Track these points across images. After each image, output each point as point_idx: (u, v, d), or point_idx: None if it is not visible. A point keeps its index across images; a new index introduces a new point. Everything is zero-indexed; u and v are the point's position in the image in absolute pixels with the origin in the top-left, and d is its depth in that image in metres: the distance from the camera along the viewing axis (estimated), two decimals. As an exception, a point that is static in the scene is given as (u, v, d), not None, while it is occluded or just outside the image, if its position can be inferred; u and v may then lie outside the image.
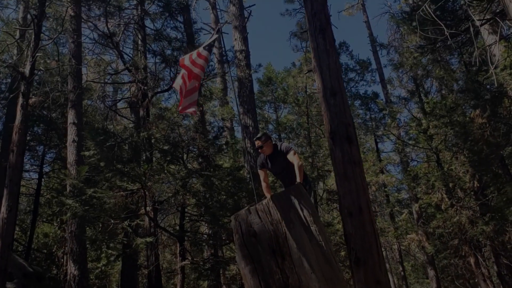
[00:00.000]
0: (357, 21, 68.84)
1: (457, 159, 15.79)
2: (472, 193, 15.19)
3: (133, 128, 11.51)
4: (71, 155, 10.73)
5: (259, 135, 6.25)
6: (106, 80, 13.51)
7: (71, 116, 11.25)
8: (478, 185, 14.76)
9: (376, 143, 26.75)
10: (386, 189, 22.71)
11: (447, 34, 9.67)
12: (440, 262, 18.39)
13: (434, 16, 8.65)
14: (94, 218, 9.15)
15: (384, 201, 24.33)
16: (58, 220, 15.58)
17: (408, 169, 20.58)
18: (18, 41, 13.24)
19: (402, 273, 24.08)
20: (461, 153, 15.59)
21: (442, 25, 8.03)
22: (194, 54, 6.33)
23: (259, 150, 6.21)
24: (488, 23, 12.84)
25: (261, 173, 6.31)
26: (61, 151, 13.77)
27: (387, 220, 23.36)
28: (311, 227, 4.97)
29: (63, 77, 12.90)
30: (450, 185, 16.31)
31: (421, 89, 21.48)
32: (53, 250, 15.74)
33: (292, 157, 6.03)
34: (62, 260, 15.31)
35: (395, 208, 22.35)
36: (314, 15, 7.09)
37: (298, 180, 5.76)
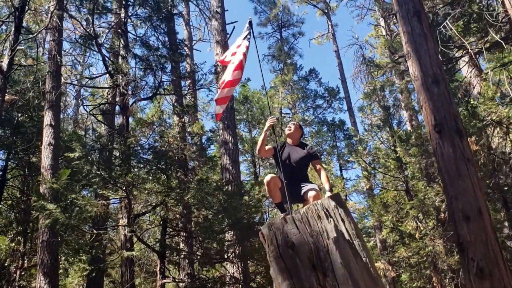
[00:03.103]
0: (327, 50, 70.19)
1: (432, 188, 15.80)
2: (449, 222, 15.18)
3: (115, 135, 10.80)
4: (46, 159, 9.87)
5: (293, 121, 5.78)
6: (85, 84, 12.74)
7: (48, 118, 10.41)
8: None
9: (341, 169, 26.82)
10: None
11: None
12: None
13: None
14: (75, 227, 8.35)
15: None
16: (14, 231, 14.47)
17: (376, 196, 20.55)
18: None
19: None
20: (437, 182, 15.61)
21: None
22: (233, 47, 5.86)
23: (287, 132, 5.68)
24: (467, 55, 13.02)
25: (268, 150, 5.57)
26: (28, 156, 12.74)
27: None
28: (355, 241, 4.52)
29: (40, 76, 12.05)
30: (420, 216, 16.30)
31: (392, 118, 21.66)
32: (6, 265, 14.53)
33: (319, 165, 5.57)
34: (15, 275, 14.15)
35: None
36: (406, -3, 6.46)
37: (327, 188, 5.32)
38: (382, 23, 25.15)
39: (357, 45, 32.61)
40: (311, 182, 5.50)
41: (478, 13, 8.80)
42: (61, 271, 11.60)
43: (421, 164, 17.08)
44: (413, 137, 17.46)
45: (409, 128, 21.58)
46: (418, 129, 18.18)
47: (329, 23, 30.86)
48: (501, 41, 8.12)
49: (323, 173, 5.44)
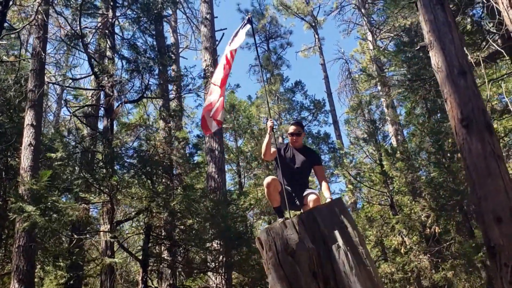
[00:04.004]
0: (314, 63, 70.52)
1: (418, 203, 15.69)
2: (434, 238, 15.07)
3: (98, 138, 10.43)
4: (26, 160, 9.42)
5: (298, 120, 5.50)
6: (68, 84, 12.34)
7: (29, 117, 9.98)
8: (439, 230, 14.66)
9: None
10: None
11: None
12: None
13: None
14: (55, 231, 7.92)
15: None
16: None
17: (360, 210, 20.41)
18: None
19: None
20: (423, 197, 15.50)
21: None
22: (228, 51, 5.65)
23: (292, 137, 5.37)
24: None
25: (273, 153, 5.29)
26: (6, 158, 12.16)
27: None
28: (358, 249, 4.26)
29: (22, 75, 11.62)
30: (404, 231, 16.17)
31: (378, 132, 21.59)
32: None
33: (322, 172, 5.32)
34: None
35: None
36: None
37: (327, 196, 5.06)
38: (370, 37, 25.22)
39: (343, 60, 32.77)
40: (311, 188, 5.25)
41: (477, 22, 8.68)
42: (36, 279, 11.08)
43: (407, 178, 17.00)
44: (398, 152, 17.40)
45: (394, 142, 21.56)
46: (404, 143, 18.16)
47: (316, 36, 30.93)
48: (502, 50, 7.95)
49: (325, 180, 5.20)
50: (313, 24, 30.87)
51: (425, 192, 15.29)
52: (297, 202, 5.07)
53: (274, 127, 5.30)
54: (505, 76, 10.44)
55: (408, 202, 16.41)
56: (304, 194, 5.01)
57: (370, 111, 22.74)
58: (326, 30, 59.16)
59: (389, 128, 22.76)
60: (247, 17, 5.72)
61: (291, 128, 5.45)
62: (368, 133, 21.06)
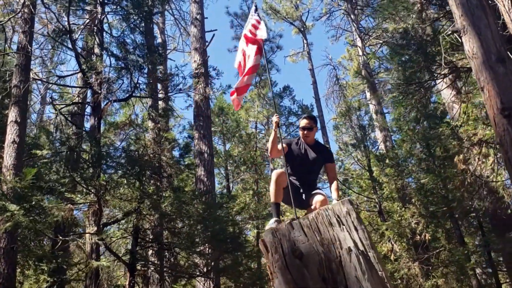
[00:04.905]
0: (302, 68, 70.60)
1: (408, 209, 15.55)
2: (424, 245, 14.93)
3: (85, 136, 10.04)
4: (9, 158, 9.00)
5: (310, 114, 5.23)
6: (54, 82, 11.93)
7: (13, 114, 9.58)
8: (429, 237, 14.52)
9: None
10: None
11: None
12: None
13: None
14: (40, 232, 7.52)
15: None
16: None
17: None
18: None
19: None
20: (413, 204, 15.36)
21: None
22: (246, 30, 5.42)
23: (304, 131, 5.06)
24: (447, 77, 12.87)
25: (280, 150, 4.94)
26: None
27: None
28: (369, 253, 3.99)
29: (6, 71, 11.19)
30: (394, 237, 16.03)
31: (367, 138, 21.48)
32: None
33: (334, 170, 5.04)
34: None
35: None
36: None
37: (334, 197, 4.80)
38: (359, 43, 25.17)
39: (331, 66, 32.79)
40: (319, 188, 4.97)
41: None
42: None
43: (397, 184, 16.88)
44: (387, 159, 17.30)
45: (382, 148, 21.46)
46: (394, 149, 18.06)
47: (305, 41, 30.84)
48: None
49: (334, 181, 4.92)
50: (302, 29, 30.78)
51: (415, 199, 15.16)
52: (304, 199, 4.78)
53: (280, 122, 4.98)
54: None
55: (398, 208, 16.28)
56: (311, 193, 4.74)
57: (359, 117, 22.63)
58: (315, 36, 59.23)
59: (378, 134, 22.65)
60: (254, 5, 5.53)
61: (303, 122, 5.13)
62: (356, 139, 20.94)
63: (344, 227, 4.00)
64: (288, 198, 4.60)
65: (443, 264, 13.64)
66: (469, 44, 5.58)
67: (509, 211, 13.12)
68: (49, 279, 8.44)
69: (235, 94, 5.31)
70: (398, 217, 15.79)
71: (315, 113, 27.97)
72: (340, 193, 5.01)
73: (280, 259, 3.89)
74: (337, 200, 4.69)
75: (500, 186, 12.65)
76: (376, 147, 22.97)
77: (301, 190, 4.82)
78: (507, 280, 14.27)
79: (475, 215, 13.95)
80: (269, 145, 4.89)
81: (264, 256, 4.18)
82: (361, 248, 3.91)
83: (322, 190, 4.88)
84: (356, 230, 4.03)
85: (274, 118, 4.87)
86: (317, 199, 4.59)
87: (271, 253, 4.01)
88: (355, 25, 25.84)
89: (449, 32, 6.34)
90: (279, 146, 4.88)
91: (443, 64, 7.64)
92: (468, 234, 15.29)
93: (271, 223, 4.46)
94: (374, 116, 22.70)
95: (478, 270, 14.19)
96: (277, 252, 3.93)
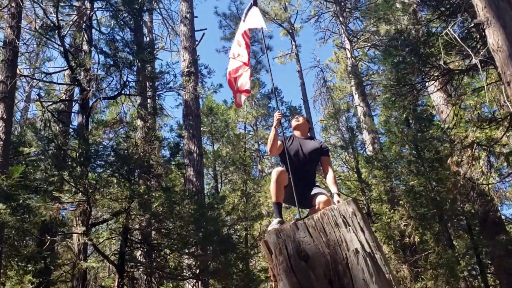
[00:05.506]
0: (291, 69, 70.57)
1: (398, 211, 15.51)
2: (412, 247, 14.90)
3: (72, 134, 9.80)
4: (-6, 155, 8.73)
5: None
6: (42, 79, 11.63)
7: (-2, 110, 9.29)
8: (418, 239, 14.49)
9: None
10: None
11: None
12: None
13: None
14: (27, 231, 7.26)
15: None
16: None
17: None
18: None
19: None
20: (402, 206, 15.33)
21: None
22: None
23: (297, 126, 5.10)
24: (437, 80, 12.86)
25: (279, 147, 4.84)
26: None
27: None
28: (376, 255, 3.86)
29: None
30: (383, 239, 15.98)
31: (356, 140, 21.45)
32: None
33: (328, 162, 4.93)
34: None
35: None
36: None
37: (334, 190, 4.67)
38: (348, 45, 25.16)
39: (318, 68, 32.80)
40: (319, 186, 4.83)
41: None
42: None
43: (385, 186, 16.85)
44: (376, 161, 17.26)
45: (371, 150, 21.45)
46: (383, 151, 18.00)
47: (293, 43, 30.78)
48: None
49: (330, 173, 4.81)
50: (290, 31, 30.71)
51: (404, 201, 15.14)
52: (305, 198, 4.63)
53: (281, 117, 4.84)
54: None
55: (387, 210, 16.23)
56: (312, 193, 4.59)
57: (348, 119, 22.60)
58: (303, 38, 59.41)
59: (366, 137, 22.64)
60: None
61: (294, 119, 5.20)
62: (344, 141, 20.91)
63: (350, 228, 3.88)
64: (289, 197, 4.46)
65: (431, 266, 13.61)
66: (494, 37, 5.41)
67: (499, 213, 13.19)
68: (34, 280, 8.18)
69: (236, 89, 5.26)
70: (387, 219, 15.75)
71: (303, 114, 27.94)
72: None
73: (285, 261, 3.74)
74: (337, 194, 4.57)
75: (490, 189, 12.68)
76: (363, 149, 22.99)
77: (301, 191, 4.67)
78: (496, 282, 14.31)
79: (464, 217, 13.96)
80: (268, 143, 4.76)
81: (266, 257, 4.03)
82: (368, 249, 3.79)
83: (323, 189, 4.74)
84: (363, 231, 3.91)
85: (276, 115, 4.75)
86: (320, 199, 4.45)
87: (274, 255, 3.86)
88: (343, 27, 25.84)
89: (472, 24, 6.22)
90: (279, 143, 4.78)
91: (442, 64, 7.50)
92: (457, 237, 15.29)
93: (274, 224, 4.31)
94: (362, 118, 22.69)
95: (465, 273, 14.20)
96: (282, 253, 3.78)
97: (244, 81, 5.23)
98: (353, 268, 3.66)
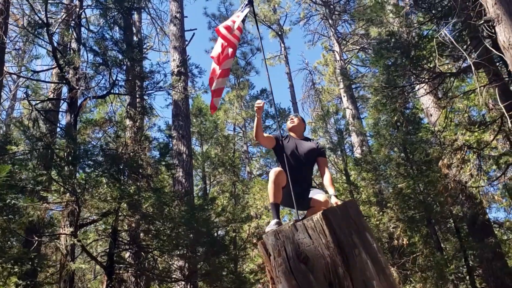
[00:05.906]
0: (280, 71, 70.47)
1: (386, 213, 15.53)
2: (400, 249, 14.91)
3: (60, 134, 9.63)
4: (-21, 154, 8.53)
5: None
6: (29, 77, 11.41)
7: (-16, 108, 9.11)
8: (407, 242, 14.51)
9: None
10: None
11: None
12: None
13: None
14: (15, 232, 7.07)
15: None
16: None
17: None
18: None
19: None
20: (391, 208, 15.35)
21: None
22: (229, 22, 5.16)
23: (292, 126, 5.00)
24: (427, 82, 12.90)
25: (268, 137, 4.79)
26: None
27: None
28: (378, 256, 3.80)
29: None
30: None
31: (344, 142, 21.49)
32: None
33: (325, 163, 4.84)
34: None
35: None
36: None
37: (331, 192, 4.59)
38: (337, 48, 25.19)
39: (307, 70, 32.86)
40: (316, 187, 4.75)
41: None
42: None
43: (374, 188, 16.87)
44: (364, 163, 17.27)
45: (359, 152, 21.48)
46: (373, 154, 18.04)
47: (282, 45, 30.79)
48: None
49: (327, 174, 4.73)
50: (280, 33, 30.70)
51: (393, 203, 15.15)
52: (303, 199, 4.54)
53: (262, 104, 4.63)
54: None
55: (375, 212, 16.25)
56: (310, 195, 4.51)
57: (337, 121, 22.64)
58: (292, 40, 59.47)
59: (354, 139, 22.68)
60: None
61: (289, 120, 5.09)
62: (333, 143, 20.93)
63: (350, 229, 3.81)
64: (286, 199, 4.38)
65: (420, 269, 13.63)
66: (504, 34, 5.30)
67: (487, 216, 13.25)
68: (20, 282, 7.98)
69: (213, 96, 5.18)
70: (375, 221, 15.76)
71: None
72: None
73: (284, 263, 3.66)
74: (334, 195, 4.50)
75: (478, 192, 12.75)
76: (352, 152, 23.02)
77: (299, 192, 4.58)
78: (483, 285, 14.38)
79: (453, 220, 14.02)
80: (253, 129, 4.64)
81: (264, 259, 3.95)
82: (370, 251, 3.73)
83: (321, 191, 4.67)
84: (364, 232, 3.85)
85: (256, 104, 4.55)
86: (318, 200, 4.37)
87: (273, 257, 3.78)
88: (332, 30, 25.87)
89: (481, 22, 6.17)
90: (266, 135, 4.71)
91: (436, 66, 7.49)
92: (445, 239, 15.34)
93: (271, 225, 4.21)
94: (351, 120, 22.73)
95: (453, 276, 14.24)
96: (280, 255, 3.70)
97: (218, 83, 5.15)
98: (354, 270, 3.59)
